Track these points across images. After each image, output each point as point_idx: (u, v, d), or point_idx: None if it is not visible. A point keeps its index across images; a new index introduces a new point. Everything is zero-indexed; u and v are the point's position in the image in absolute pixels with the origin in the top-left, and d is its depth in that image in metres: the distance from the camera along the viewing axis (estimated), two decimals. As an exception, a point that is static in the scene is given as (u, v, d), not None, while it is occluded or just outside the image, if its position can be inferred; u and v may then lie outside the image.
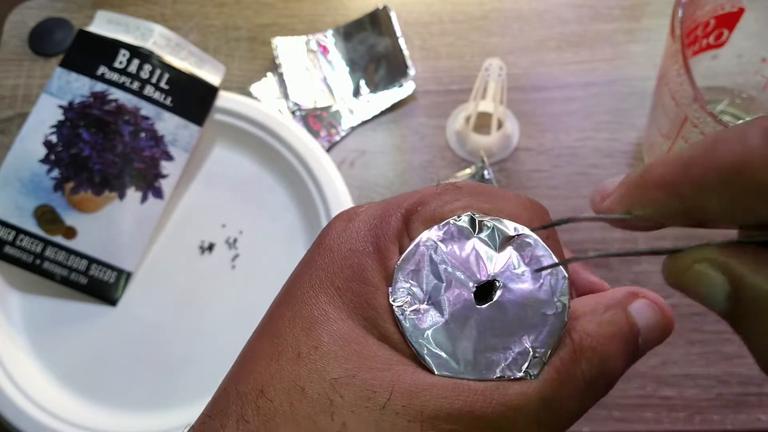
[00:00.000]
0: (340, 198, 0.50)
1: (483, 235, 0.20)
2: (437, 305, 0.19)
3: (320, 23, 0.59)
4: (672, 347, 0.47)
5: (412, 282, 0.20)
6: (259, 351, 0.20)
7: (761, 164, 0.16)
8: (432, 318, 0.19)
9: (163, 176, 0.52)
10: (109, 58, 0.52)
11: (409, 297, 0.19)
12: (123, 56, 0.52)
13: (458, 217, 0.20)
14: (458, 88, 0.56)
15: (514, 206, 0.21)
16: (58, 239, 0.50)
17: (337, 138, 0.55)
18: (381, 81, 0.56)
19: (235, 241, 0.52)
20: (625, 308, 0.21)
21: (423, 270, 0.20)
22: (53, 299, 0.51)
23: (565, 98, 0.55)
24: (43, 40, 0.59)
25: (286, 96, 0.57)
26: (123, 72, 0.52)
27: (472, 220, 0.20)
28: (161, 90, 0.52)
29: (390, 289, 0.19)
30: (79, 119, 0.51)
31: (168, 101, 0.52)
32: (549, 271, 0.20)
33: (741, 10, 0.44)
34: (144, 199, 0.51)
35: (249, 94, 0.57)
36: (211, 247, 0.52)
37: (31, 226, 0.50)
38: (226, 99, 0.53)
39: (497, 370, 0.19)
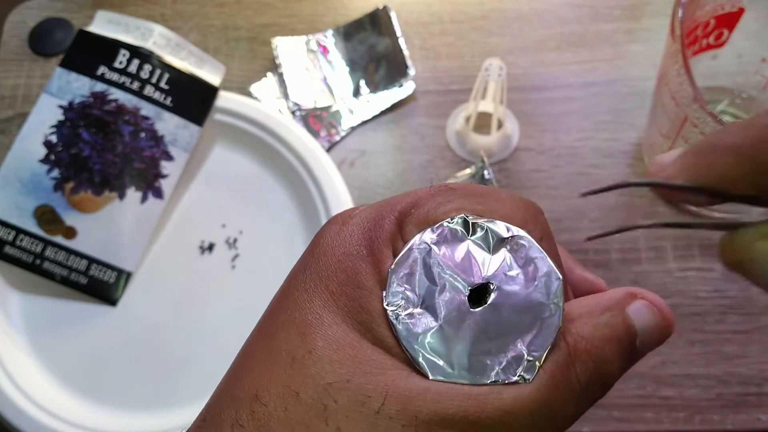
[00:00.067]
0: (340, 198, 0.50)
1: (476, 237, 0.20)
2: (431, 309, 0.19)
3: (320, 23, 0.59)
4: (672, 347, 0.47)
5: (406, 286, 0.19)
6: (254, 355, 0.20)
7: None
8: (426, 322, 0.19)
9: (163, 176, 0.52)
10: (109, 58, 0.52)
11: (403, 301, 0.19)
12: (123, 56, 0.52)
13: (451, 219, 0.20)
14: (458, 88, 0.56)
15: (508, 207, 0.21)
16: (58, 239, 0.50)
17: (337, 138, 0.55)
18: (381, 81, 0.56)
19: (235, 241, 0.52)
20: (622, 310, 0.20)
21: (417, 274, 0.20)
22: (53, 299, 0.51)
23: (565, 98, 0.55)
24: (43, 40, 0.59)
25: (286, 96, 0.57)
26: (123, 72, 0.52)
27: (465, 222, 0.20)
28: (161, 90, 0.52)
29: (384, 293, 0.19)
30: (79, 119, 0.51)
31: (168, 101, 0.52)
32: (543, 272, 0.20)
33: (741, 10, 0.44)
34: (144, 199, 0.51)
35: (249, 94, 0.57)
36: (211, 247, 0.52)
37: (31, 226, 0.50)
38: (226, 99, 0.53)
39: (492, 375, 0.19)
